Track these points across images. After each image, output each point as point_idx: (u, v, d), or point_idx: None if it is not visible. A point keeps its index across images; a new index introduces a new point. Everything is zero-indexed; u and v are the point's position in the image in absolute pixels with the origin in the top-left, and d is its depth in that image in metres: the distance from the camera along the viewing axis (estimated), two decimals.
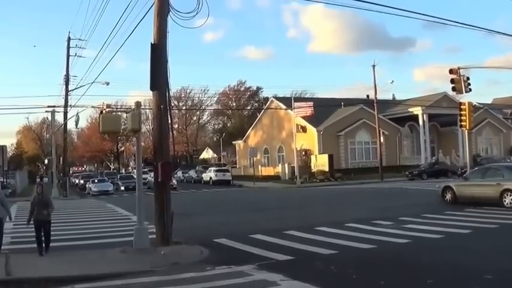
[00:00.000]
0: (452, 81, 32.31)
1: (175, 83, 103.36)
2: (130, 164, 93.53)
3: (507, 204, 20.91)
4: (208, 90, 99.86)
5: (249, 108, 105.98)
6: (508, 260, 10.90)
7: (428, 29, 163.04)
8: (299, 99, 70.42)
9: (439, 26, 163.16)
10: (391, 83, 78.87)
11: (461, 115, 35.76)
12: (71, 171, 74.44)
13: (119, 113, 24.56)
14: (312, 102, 56.40)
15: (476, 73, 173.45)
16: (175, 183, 52.32)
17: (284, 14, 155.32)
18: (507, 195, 21.08)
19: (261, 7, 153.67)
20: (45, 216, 13.61)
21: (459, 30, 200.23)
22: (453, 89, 32.85)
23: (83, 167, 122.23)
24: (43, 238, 13.55)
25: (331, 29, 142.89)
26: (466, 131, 39.04)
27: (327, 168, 55.79)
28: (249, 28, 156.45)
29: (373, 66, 56.65)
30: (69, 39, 47.30)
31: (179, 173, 71.26)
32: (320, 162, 57.30)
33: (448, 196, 24.45)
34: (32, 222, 13.57)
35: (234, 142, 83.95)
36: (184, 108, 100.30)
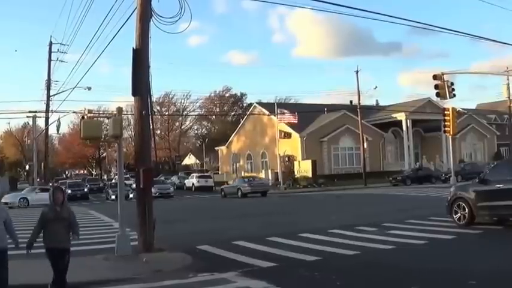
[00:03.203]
0: (436, 86, 32.45)
1: (159, 89, 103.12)
2: (112, 170, 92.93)
3: None
4: (190, 96, 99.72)
5: (232, 114, 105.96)
6: (492, 266, 10.86)
7: (415, 34, 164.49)
8: (282, 105, 70.60)
9: (425, 32, 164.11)
10: (375, 88, 79.61)
11: (445, 120, 36.03)
12: (54, 180, 72.61)
13: (101, 119, 24.44)
14: (296, 112, 56.37)
15: (462, 78, 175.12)
16: (172, 190, 51.98)
17: (270, 18, 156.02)
18: None
19: (247, 11, 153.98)
20: (66, 243, 9.10)
21: (445, 35, 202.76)
22: (437, 94, 33.00)
23: (66, 173, 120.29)
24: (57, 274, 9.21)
25: (317, 33, 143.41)
26: (450, 136, 39.33)
27: (310, 174, 55.90)
28: (234, 32, 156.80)
29: (357, 71, 57.02)
30: (50, 43, 47.07)
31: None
32: (303, 168, 57.37)
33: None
34: (33, 247, 9.02)
35: (216, 148, 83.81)
36: (166, 113, 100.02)
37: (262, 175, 63.81)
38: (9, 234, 8.71)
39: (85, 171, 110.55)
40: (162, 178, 63.85)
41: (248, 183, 45.79)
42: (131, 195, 35.49)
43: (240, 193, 44.62)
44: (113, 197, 46.11)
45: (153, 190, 47.19)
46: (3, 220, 8.59)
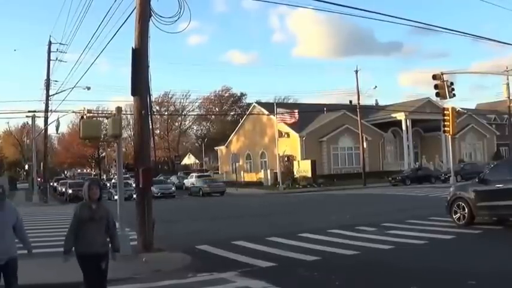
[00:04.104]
0: (436, 86, 32.42)
1: (158, 88, 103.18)
2: (112, 170, 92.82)
3: None
4: (189, 95, 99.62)
5: (232, 114, 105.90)
6: (491, 265, 10.85)
7: (415, 34, 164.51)
8: (282, 104, 70.60)
9: (426, 31, 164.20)
10: (375, 88, 78.98)
11: (444, 120, 36.02)
12: (54, 179, 72.13)
13: (100, 119, 24.40)
14: (297, 111, 56.30)
15: (462, 78, 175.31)
16: (174, 190, 51.65)
17: (270, 18, 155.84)
18: None
19: (247, 10, 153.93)
20: (103, 247, 7.73)
21: (446, 35, 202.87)
22: (437, 94, 32.97)
23: (65, 172, 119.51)
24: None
25: (317, 33, 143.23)
26: (450, 136, 39.32)
27: (309, 174, 55.80)
28: (234, 32, 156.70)
29: (356, 71, 56.88)
30: (50, 43, 46.94)
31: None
32: (303, 168, 57.30)
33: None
34: (72, 254, 7.73)
35: (216, 148, 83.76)
36: (166, 113, 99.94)
37: (261, 175, 63.78)
38: (19, 240, 7.70)
39: (89, 170, 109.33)
40: (162, 178, 63.67)
41: (208, 185, 51.72)
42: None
43: (201, 192, 50.52)
44: (116, 197, 46.57)
45: (154, 190, 46.60)
46: (13, 224, 7.49)
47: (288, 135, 61.25)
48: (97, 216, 7.60)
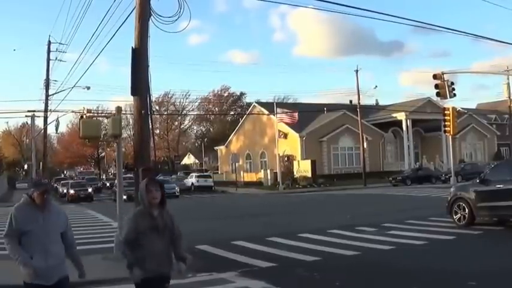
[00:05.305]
0: (436, 86, 32.41)
1: (158, 88, 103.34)
2: (111, 169, 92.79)
3: None
4: (189, 95, 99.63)
5: (231, 113, 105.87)
6: (492, 266, 10.82)
7: (417, 33, 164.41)
8: (282, 104, 70.54)
9: (427, 31, 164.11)
10: (375, 88, 79.25)
11: (445, 120, 35.96)
12: (54, 179, 71.65)
13: (100, 118, 24.35)
14: (297, 112, 56.22)
15: (463, 78, 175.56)
16: (178, 190, 50.18)
17: (271, 17, 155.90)
18: None
19: (247, 10, 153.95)
20: (167, 266, 5.81)
21: (447, 35, 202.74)
22: (437, 94, 32.97)
23: (65, 172, 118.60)
24: None
25: (318, 32, 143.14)
26: (450, 136, 39.24)
27: (309, 174, 55.73)
28: (234, 31, 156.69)
29: (356, 71, 56.90)
30: (49, 43, 46.85)
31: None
32: (303, 167, 57.24)
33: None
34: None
35: (216, 148, 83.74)
36: (166, 113, 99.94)
37: (261, 175, 63.73)
38: (68, 254, 5.90)
39: (92, 169, 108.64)
40: (161, 177, 63.50)
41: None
42: None
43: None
44: (124, 197, 46.39)
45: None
46: (62, 230, 5.75)
47: (286, 137, 60.92)
48: (161, 226, 5.68)
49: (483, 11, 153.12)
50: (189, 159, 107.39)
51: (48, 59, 47.53)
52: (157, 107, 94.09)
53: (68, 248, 5.82)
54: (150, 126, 15.24)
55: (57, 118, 46.93)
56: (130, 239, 5.62)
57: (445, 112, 36.45)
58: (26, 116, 53.03)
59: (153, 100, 18.58)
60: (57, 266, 5.59)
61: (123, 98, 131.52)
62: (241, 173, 66.18)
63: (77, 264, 6.10)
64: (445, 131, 38.04)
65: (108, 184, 69.97)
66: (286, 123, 57.47)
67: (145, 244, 5.56)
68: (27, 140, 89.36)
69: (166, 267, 5.78)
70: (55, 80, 48.41)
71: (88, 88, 45.31)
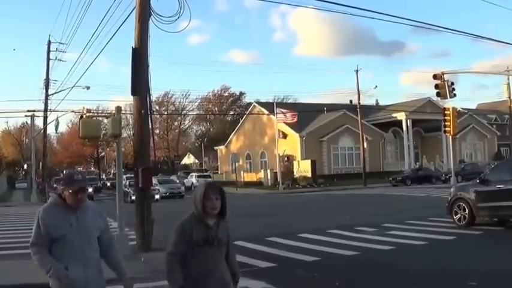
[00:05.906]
0: (436, 86, 32.42)
1: (158, 88, 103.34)
2: (111, 169, 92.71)
3: None
4: (189, 95, 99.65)
5: (231, 113, 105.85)
6: (492, 266, 10.81)
7: (417, 33, 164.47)
8: (281, 104, 70.52)
9: (427, 31, 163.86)
10: (375, 88, 79.19)
11: (445, 120, 35.96)
12: (53, 180, 71.51)
13: (100, 118, 24.31)
14: (297, 112, 56.20)
15: (463, 78, 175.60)
16: (183, 190, 48.95)
17: (271, 17, 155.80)
18: None
19: (248, 9, 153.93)
20: (227, 285, 4.91)
21: (447, 35, 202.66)
22: (437, 94, 32.98)
23: (64, 172, 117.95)
24: None
25: (318, 32, 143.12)
26: (450, 136, 39.24)
27: (309, 174, 55.73)
28: (235, 31, 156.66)
29: (356, 71, 56.90)
30: (49, 42, 46.91)
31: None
32: (303, 168, 57.24)
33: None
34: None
35: (215, 147, 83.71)
36: (166, 113, 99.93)
37: (261, 175, 63.71)
38: (107, 263, 5.30)
39: (91, 169, 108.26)
40: (161, 177, 63.42)
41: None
42: (157, 197, 36.49)
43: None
44: (133, 197, 45.51)
45: (162, 189, 45.87)
46: (99, 233, 4.97)
47: (285, 137, 60.90)
48: (217, 240, 4.75)
49: (483, 11, 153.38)
50: (188, 159, 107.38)
51: (48, 59, 47.59)
52: (157, 107, 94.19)
53: (106, 250, 5.11)
54: (150, 126, 15.25)
55: (57, 118, 46.94)
56: (182, 251, 4.93)
57: (445, 112, 36.44)
58: (26, 116, 53.02)
59: (153, 100, 18.58)
60: (94, 277, 4.90)
61: (123, 98, 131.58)
62: (241, 173, 66.16)
63: (117, 268, 5.37)
64: (445, 131, 38.04)
65: (108, 184, 69.95)
66: (286, 123, 57.47)
67: (195, 258, 4.79)
68: (27, 140, 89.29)
69: (225, 285, 4.89)
70: (55, 80, 48.51)
71: (88, 88, 45.42)
